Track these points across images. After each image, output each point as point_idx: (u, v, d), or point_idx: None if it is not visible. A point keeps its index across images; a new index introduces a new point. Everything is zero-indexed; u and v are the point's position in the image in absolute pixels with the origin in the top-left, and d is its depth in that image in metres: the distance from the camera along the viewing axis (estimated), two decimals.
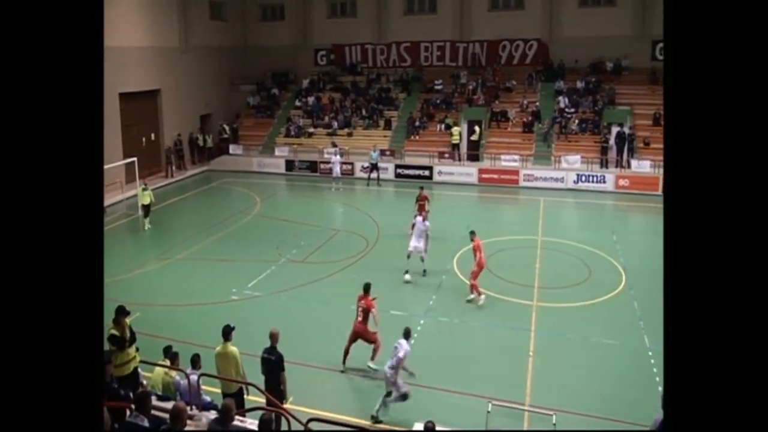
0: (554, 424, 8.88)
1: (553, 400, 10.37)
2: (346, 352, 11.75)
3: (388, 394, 10.08)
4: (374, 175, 28.07)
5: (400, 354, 9.92)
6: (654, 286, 15.77)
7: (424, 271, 16.63)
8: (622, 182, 26.28)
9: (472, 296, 14.79)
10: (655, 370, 11.80)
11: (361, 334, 11.63)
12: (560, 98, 30.38)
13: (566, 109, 29.92)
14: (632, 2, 31.42)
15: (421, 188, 20.59)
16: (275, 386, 9.13)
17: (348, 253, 18.21)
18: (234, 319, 9.74)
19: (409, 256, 16.42)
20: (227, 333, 9.07)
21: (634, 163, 26.88)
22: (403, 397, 10.07)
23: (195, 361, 9.17)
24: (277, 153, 31.88)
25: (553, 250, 18.67)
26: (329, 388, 11.31)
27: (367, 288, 11.82)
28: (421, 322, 13.69)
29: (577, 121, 29.30)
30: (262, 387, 9.05)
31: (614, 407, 10.52)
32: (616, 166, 27.06)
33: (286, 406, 9.21)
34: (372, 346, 11.62)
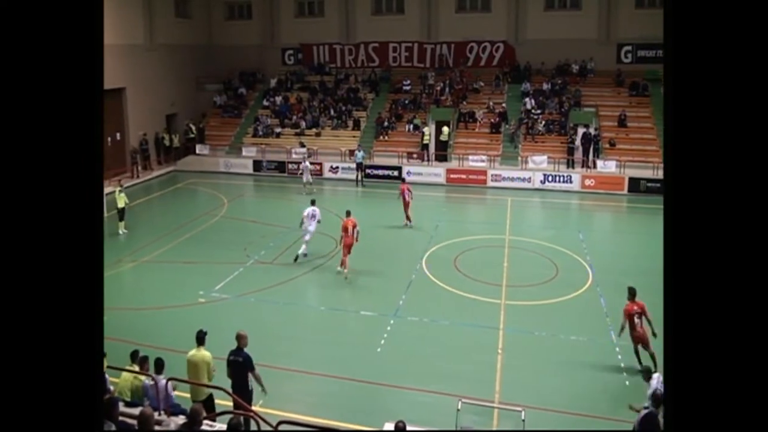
0: (523, 420, 8.98)
1: (522, 397, 10.48)
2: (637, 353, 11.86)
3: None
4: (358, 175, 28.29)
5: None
6: (620, 284, 15.99)
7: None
8: (587, 182, 26.77)
9: (339, 269, 16.54)
10: (622, 365, 12.07)
11: (641, 339, 11.70)
12: (527, 100, 30.80)
13: (533, 111, 30.35)
14: (597, 6, 32.07)
15: (403, 180, 21.62)
16: (243, 388, 9.04)
17: (316, 255, 18.13)
18: (202, 323, 9.63)
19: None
20: (201, 338, 8.96)
21: (599, 163, 27.44)
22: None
23: (159, 366, 9.03)
24: (244, 153, 31.56)
25: (520, 249, 18.93)
26: (299, 390, 11.26)
27: (633, 293, 12.06)
28: (391, 322, 13.74)
29: (543, 122, 29.74)
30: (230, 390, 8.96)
31: (582, 403, 10.73)
32: (582, 167, 27.58)
33: (256, 408, 9.13)
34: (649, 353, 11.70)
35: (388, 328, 13.41)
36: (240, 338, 9.20)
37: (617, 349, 12.67)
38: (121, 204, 20.57)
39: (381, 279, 16.49)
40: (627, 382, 11.49)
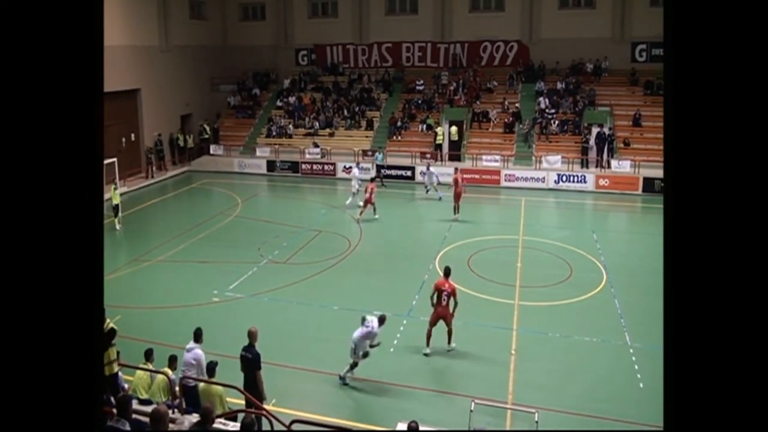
0: (536, 422, 8.94)
1: (535, 398, 10.43)
2: (429, 335, 12.34)
3: (354, 364, 11.28)
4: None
5: (376, 330, 11.27)
6: (634, 285, 16.14)
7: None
8: (602, 182, 26.58)
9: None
10: (636, 367, 11.95)
11: (444, 317, 12.20)
12: (541, 99, 30.64)
13: (547, 110, 30.18)
14: (611, 5, 31.82)
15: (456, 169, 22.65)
16: (254, 386, 9.08)
17: (330, 254, 18.17)
18: (216, 321, 9.70)
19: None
20: (211, 369, 8.74)
21: (614, 163, 27.22)
22: (365, 356, 11.21)
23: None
24: (258, 153, 31.70)
25: (534, 249, 18.82)
26: (311, 389, 11.29)
27: (447, 272, 12.51)
28: (404, 322, 13.72)
29: (557, 122, 29.57)
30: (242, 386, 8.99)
31: (596, 405, 10.64)
32: (597, 167, 27.36)
33: (269, 407, 9.17)
34: (448, 329, 12.33)
35: (401, 328, 13.39)
36: (251, 334, 9.26)
37: (631, 351, 12.59)
38: (116, 201, 20.93)
39: (394, 279, 16.45)
40: (641, 384, 11.38)
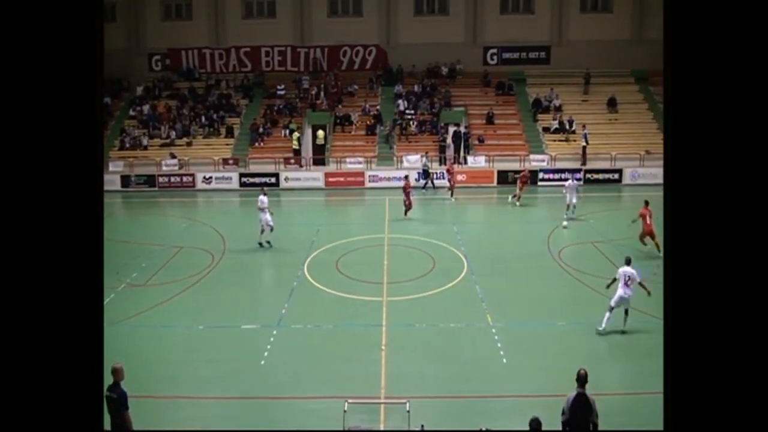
0: (408, 412, 9.21)
1: (408, 389, 10.76)
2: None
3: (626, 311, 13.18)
4: (428, 183, 28.06)
5: (637, 277, 13.10)
6: (493, 270, 17.31)
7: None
8: (460, 177, 27.81)
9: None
10: (499, 345, 12.84)
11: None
12: (400, 101, 31.65)
13: (406, 112, 31.25)
14: (464, 12, 33.74)
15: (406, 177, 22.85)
16: (122, 428, 8.39)
17: (193, 270, 17.39)
18: None
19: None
20: None
21: (470, 159, 28.95)
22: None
23: None
24: (111, 168, 29.38)
25: (399, 246, 19.42)
26: (185, 417, 10.54)
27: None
28: (274, 332, 13.50)
29: (416, 123, 30.70)
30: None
31: (465, 386, 11.28)
32: (454, 163, 28.65)
33: None
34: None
35: (272, 339, 13.16)
36: (115, 372, 8.22)
37: (493, 330, 13.49)
38: None
39: (262, 290, 16.21)
40: (504, 360, 12.24)
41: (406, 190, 21.64)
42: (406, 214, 21.75)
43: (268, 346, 12.82)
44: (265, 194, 19.23)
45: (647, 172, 29.15)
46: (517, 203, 24.06)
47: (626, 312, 13.15)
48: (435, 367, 12.05)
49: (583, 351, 12.62)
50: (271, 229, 18.86)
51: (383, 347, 12.73)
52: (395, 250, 18.98)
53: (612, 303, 13.10)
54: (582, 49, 33.85)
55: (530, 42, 34.40)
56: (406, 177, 22.51)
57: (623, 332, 13.27)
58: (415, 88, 32.65)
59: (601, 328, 13.17)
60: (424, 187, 27.40)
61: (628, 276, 12.99)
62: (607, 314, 13.16)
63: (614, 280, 13.23)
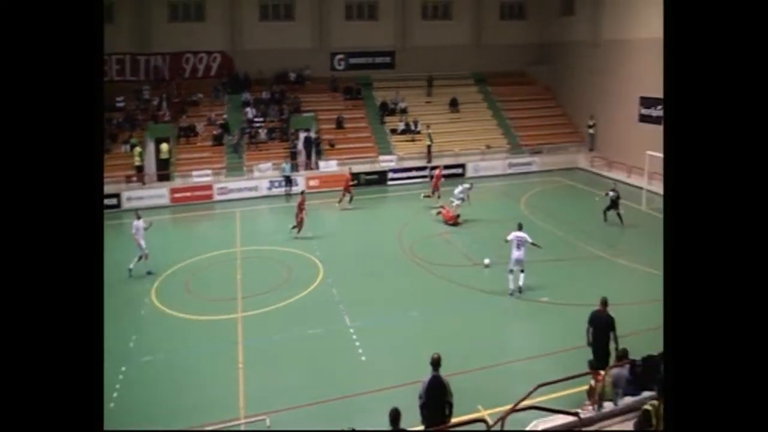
0: (268, 426, 9.06)
1: (270, 404, 10.63)
2: None
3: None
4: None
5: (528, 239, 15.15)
6: (348, 272, 17.59)
7: None
8: (312, 183, 28.01)
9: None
10: (357, 344, 13.09)
11: None
12: (248, 109, 31.03)
13: (255, 119, 30.68)
14: (310, 18, 33.80)
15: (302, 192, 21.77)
16: None
17: None
18: None
19: None
20: None
21: (322, 164, 29.03)
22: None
23: None
24: None
25: (253, 258, 19.06)
26: None
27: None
28: (123, 369, 12.33)
29: (265, 130, 30.26)
30: None
31: (328, 390, 11.28)
32: (306, 169, 28.77)
33: None
34: None
35: (120, 377, 11.99)
36: None
37: (351, 330, 13.79)
38: None
39: (107, 326, 14.82)
40: (363, 358, 12.56)
41: (301, 206, 20.76)
42: (298, 231, 20.82)
43: (117, 385, 11.66)
44: (139, 218, 17.82)
45: (488, 165, 31.39)
46: (438, 202, 24.32)
47: (522, 271, 15.34)
48: (296, 377, 11.94)
49: (437, 336, 13.43)
50: (144, 257, 17.56)
51: (240, 365, 12.37)
52: (249, 263, 18.56)
53: (510, 266, 15.38)
54: (425, 54, 35.46)
55: (376, 47, 35.38)
56: (303, 193, 21.59)
57: (520, 290, 15.46)
58: (264, 94, 32.15)
59: (510, 291, 15.45)
60: (286, 194, 26.97)
61: (519, 239, 15.13)
62: (510, 276, 15.49)
63: (506, 241, 15.43)
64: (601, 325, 10.43)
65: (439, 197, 24.39)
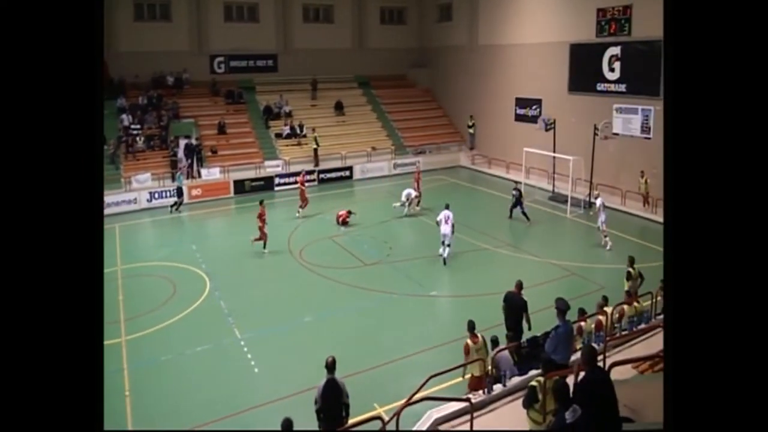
0: None
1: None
2: None
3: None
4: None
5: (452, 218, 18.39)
6: (236, 282, 17.18)
7: None
8: (194, 192, 27.01)
9: None
10: (249, 356, 12.84)
11: None
12: (124, 116, 29.25)
13: (131, 127, 29.00)
14: (187, 19, 32.58)
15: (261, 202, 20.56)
16: None
17: None
18: None
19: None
20: None
21: (204, 171, 28.02)
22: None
23: None
24: None
25: (135, 277, 17.96)
26: None
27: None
28: None
29: (143, 138, 28.78)
30: None
31: (221, 407, 10.96)
32: (188, 178, 27.55)
33: None
34: None
35: None
36: None
37: (242, 343, 13.51)
38: None
39: None
40: (256, 370, 12.37)
41: (262, 217, 19.72)
42: (264, 246, 19.76)
43: None
44: None
45: (374, 167, 31.91)
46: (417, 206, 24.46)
47: (449, 245, 18.22)
48: (187, 398, 11.45)
49: (331, 339, 13.49)
50: None
51: (127, 393, 11.65)
52: (130, 282, 17.46)
53: (442, 239, 18.24)
54: (308, 57, 35.38)
55: (257, 50, 34.78)
56: (261, 203, 20.34)
57: (444, 261, 18.20)
58: (140, 100, 30.53)
59: (444, 262, 18.21)
60: (174, 206, 25.34)
61: (447, 216, 18.13)
62: (441, 249, 18.40)
63: (437, 223, 18.44)
64: (515, 306, 11.47)
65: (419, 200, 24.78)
